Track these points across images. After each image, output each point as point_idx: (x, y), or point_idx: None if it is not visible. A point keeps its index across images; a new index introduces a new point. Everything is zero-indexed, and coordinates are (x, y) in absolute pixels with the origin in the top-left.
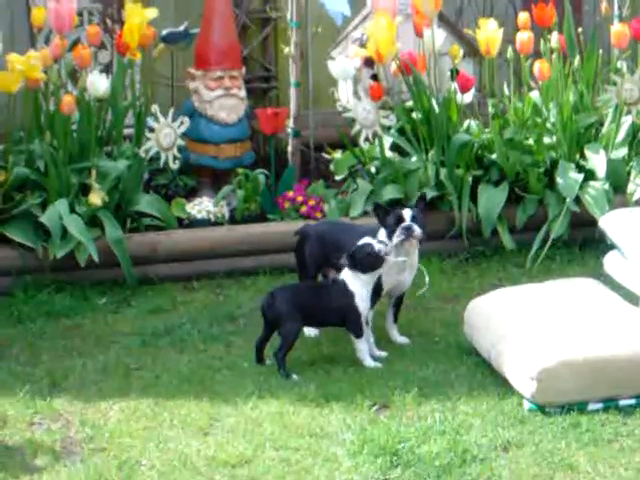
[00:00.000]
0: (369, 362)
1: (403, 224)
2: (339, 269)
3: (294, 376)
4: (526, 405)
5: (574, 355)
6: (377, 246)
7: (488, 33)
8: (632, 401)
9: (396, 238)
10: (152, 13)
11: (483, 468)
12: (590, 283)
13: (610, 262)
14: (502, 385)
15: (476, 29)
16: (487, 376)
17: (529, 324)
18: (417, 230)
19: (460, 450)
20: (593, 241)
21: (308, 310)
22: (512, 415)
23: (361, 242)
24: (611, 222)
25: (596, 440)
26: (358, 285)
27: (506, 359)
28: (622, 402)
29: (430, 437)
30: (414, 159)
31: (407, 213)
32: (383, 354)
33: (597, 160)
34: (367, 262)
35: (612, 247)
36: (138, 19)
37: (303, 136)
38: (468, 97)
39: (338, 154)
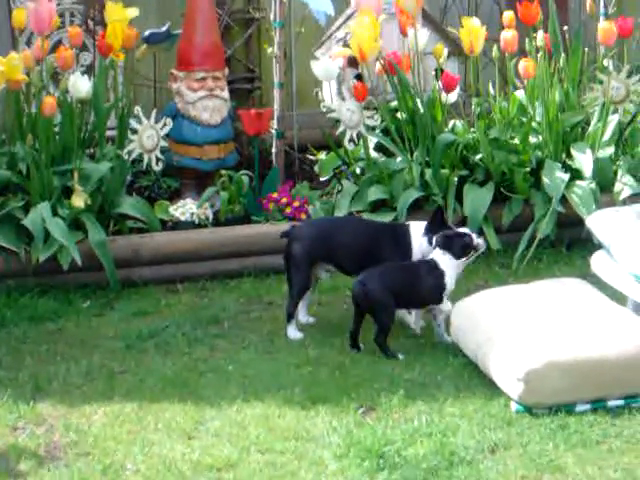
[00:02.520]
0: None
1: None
2: (342, 268)
3: (400, 355)
4: (513, 406)
5: (561, 356)
6: (475, 240)
7: (471, 31)
8: (621, 402)
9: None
10: (133, 12)
11: (470, 470)
12: (577, 283)
13: (597, 262)
14: (489, 386)
15: (460, 28)
16: (474, 377)
17: (516, 325)
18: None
19: (447, 452)
20: (580, 241)
21: (399, 292)
22: (499, 417)
23: (461, 230)
24: (598, 222)
25: (584, 441)
26: (448, 265)
27: (493, 360)
28: (610, 403)
29: (417, 439)
30: (399, 159)
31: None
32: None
33: (583, 159)
34: (462, 250)
35: (599, 247)
36: (119, 18)
37: (287, 137)
38: (453, 97)
39: (322, 155)
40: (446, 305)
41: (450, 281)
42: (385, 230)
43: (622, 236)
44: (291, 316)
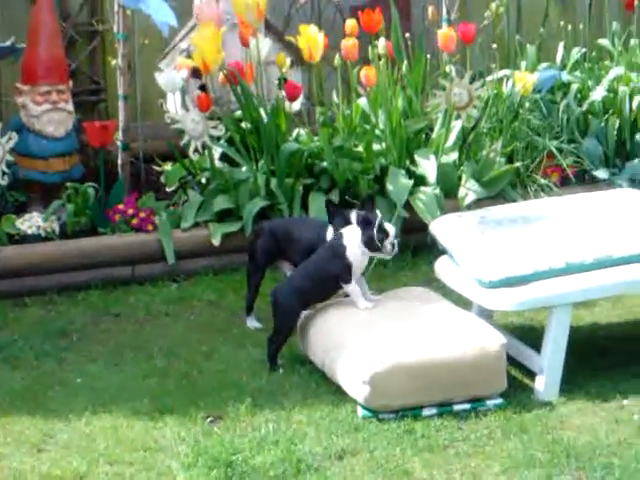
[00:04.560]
0: (363, 303)
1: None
2: (294, 262)
3: (281, 370)
4: (360, 412)
5: (406, 358)
6: (389, 247)
7: (309, 39)
8: (467, 406)
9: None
10: None
11: (318, 477)
12: (421, 290)
13: (441, 267)
14: (336, 393)
15: (297, 36)
16: (321, 385)
17: (362, 331)
18: None
19: (294, 460)
20: (425, 247)
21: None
22: (346, 423)
23: (388, 226)
24: (441, 227)
25: (431, 446)
26: (354, 244)
27: (339, 366)
28: (457, 407)
29: (264, 447)
30: (244, 169)
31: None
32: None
33: (427, 165)
34: (370, 245)
35: (444, 252)
36: None
37: (133, 148)
38: (296, 105)
39: (168, 166)
40: (352, 287)
41: (354, 258)
42: (317, 229)
43: (465, 241)
44: (250, 308)
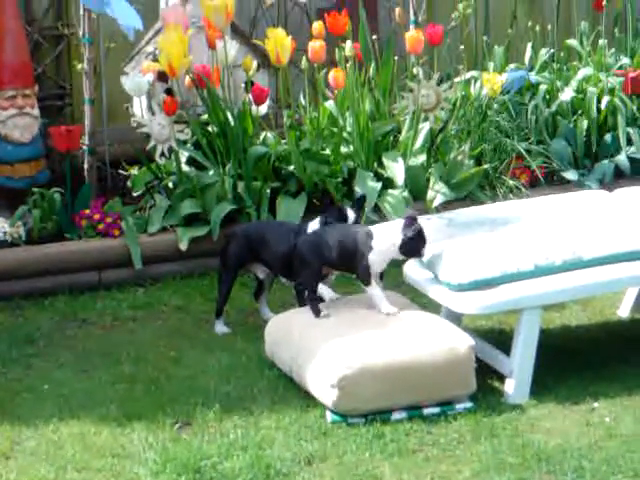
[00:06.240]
0: (386, 307)
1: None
2: (269, 266)
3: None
4: (329, 417)
5: (374, 361)
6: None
7: (277, 42)
8: (436, 410)
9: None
10: None
11: None
12: (389, 294)
13: (410, 270)
14: (304, 398)
15: (265, 39)
16: (289, 389)
17: (330, 335)
18: None
19: (263, 465)
20: None
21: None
22: (315, 428)
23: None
24: None
25: (401, 450)
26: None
27: (307, 370)
28: (426, 411)
29: (232, 453)
30: (211, 173)
31: None
32: None
33: (395, 168)
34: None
35: None
36: None
37: (99, 153)
38: (263, 109)
39: (135, 170)
40: (374, 289)
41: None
42: (291, 232)
43: (433, 244)
44: (220, 312)
